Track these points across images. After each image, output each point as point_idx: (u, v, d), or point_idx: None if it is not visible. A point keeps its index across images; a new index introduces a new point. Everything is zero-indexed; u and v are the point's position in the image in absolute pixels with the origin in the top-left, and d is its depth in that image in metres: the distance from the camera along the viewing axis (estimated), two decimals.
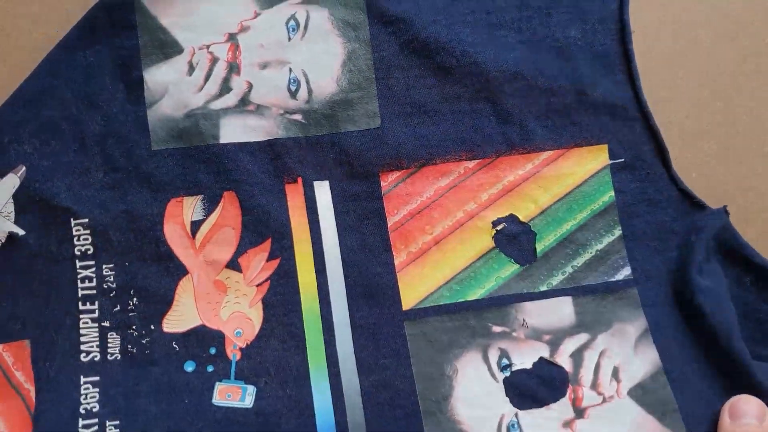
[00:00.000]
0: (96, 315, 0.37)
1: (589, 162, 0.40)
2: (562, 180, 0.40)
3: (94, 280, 0.37)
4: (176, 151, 0.38)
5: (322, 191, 0.39)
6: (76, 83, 0.38)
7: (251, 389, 0.37)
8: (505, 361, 0.38)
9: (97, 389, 0.36)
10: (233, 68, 0.39)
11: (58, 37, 0.40)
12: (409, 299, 0.38)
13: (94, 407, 0.36)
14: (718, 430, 0.36)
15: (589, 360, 0.38)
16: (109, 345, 0.37)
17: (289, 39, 0.39)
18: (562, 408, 0.37)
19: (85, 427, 0.36)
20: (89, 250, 0.37)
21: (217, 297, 0.38)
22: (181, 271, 0.38)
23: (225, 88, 0.39)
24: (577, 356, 0.38)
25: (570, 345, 0.38)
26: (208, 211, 0.38)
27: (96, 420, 0.36)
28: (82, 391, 0.36)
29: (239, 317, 0.38)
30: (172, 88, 0.38)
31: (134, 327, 0.37)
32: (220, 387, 0.37)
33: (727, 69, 0.42)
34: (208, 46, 0.39)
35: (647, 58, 0.42)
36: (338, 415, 0.37)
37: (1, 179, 0.37)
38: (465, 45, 0.39)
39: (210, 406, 0.37)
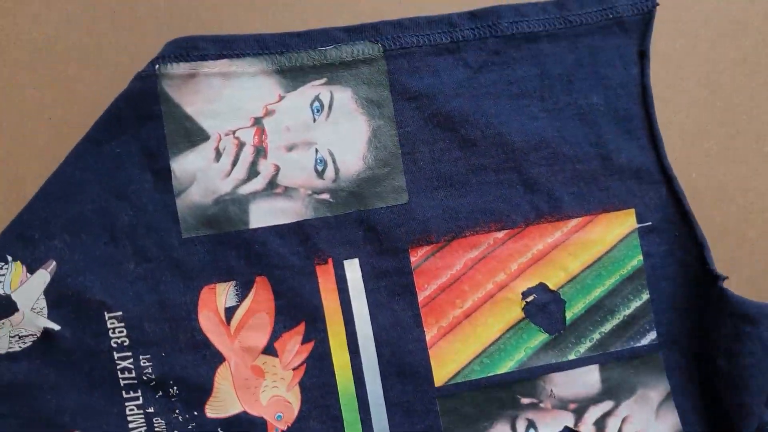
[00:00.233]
0: (140, 402, 0.38)
1: (617, 227, 0.40)
2: (591, 246, 0.40)
3: (133, 371, 0.38)
4: (206, 239, 0.38)
5: (353, 269, 0.39)
6: (104, 175, 0.38)
7: None
8: (531, 431, 0.39)
9: None
10: (260, 152, 0.39)
11: (58, 37, 0.40)
12: (441, 376, 0.39)
13: None
14: None
15: (612, 427, 0.39)
16: (156, 430, 0.38)
17: (314, 120, 0.39)
18: None
19: None
20: (125, 342, 0.38)
21: (255, 382, 0.39)
22: (218, 358, 0.38)
23: (253, 172, 0.39)
24: (601, 423, 0.40)
25: (594, 413, 0.40)
26: (241, 297, 0.39)
27: None
28: None
29: (278, 401, 0.39)
30: (200, 175, 0.38)
31: (177, 411, 0.38)
32: None
33: (727, 69, 0.42)
34: (234, 132, 0.39)
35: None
36: None
37: (32, 275, 0.37)
38: (488, 116, 0.39)
39: None
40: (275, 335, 0.39)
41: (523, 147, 0.40)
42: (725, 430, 0.39)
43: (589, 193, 0.40)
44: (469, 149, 0.40)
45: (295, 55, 0.39)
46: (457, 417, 0.39)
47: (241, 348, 0.39)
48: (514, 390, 0.39)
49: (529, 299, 0.40)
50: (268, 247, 0.39)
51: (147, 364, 0.38)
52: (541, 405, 0.39)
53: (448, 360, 0.39)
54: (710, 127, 0.42)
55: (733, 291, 0.38)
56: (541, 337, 0.40)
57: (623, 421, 0.39)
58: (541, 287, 0.40)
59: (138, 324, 0.38)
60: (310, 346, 0.39)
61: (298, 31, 0.39)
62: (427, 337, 0.39)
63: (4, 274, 0.37)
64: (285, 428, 0.38)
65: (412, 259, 0.39)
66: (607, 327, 0.40)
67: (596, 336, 0.40)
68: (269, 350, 0.39)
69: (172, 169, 0.38)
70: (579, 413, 0.40)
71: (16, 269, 0.37)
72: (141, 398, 0.38)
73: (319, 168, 0.39)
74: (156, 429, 0.38)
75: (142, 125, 0.38)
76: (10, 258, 0.37)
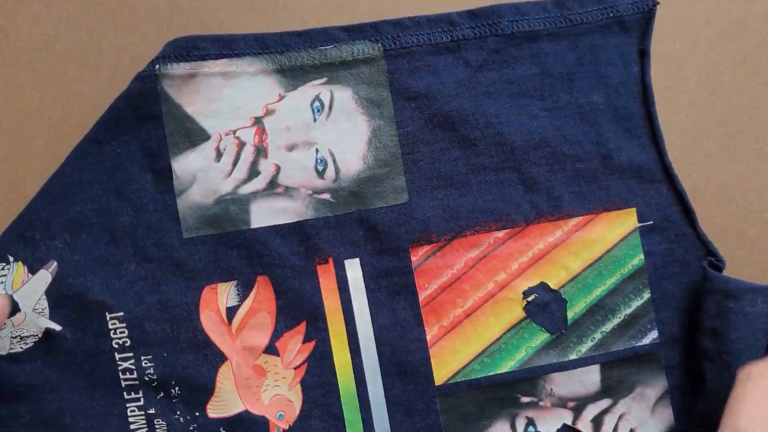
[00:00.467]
0: (141, 403, 0.38)
1: (618, 226, 0.40)
2: (592, 245, 0.40)
3: (135, 371, 0.38)
4: (207, 238, 0.38)
5: (353, 269, 0.39)
6: (105, 175, 0.38)
7: None
8: (531, 429, 0.39)
9: None
10: (260, 152, 0.39)
11: (58, 37, 0.40)
12: (441, 375, 0.39)
13: None
14: None
15: (608, 424, 0.40)
16: (157, 431, 0.38)
17: (315, 120, 0.39)
18: None
19: None
20: (126, 342, 0.38)
21: (257, 381, 0.39)
22: (220, 358, 0.38)
23: (253, 171, 0.39)
24: (598, 420, 0.40)
25: (592, 411, 0.40)
26: (243, 296, 0.39)
27: None
28: None
29: (280, 400, 0.39)
30: (200, 175, 0.39)
31: (179, 413, 0.38)
32: None
33: (727, 69, 0.42)
34: (234, 132, 0.39)
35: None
36: None
37: (33, 275, 0.38)
38: (488, 116, 0.39)
39: None
40: (276, 334, 0.39)
41: (522, 146, 0.39)
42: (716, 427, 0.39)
43: (589, 192, 0.40)
44: (468, 149, 0.40)
45: (295, 55, 0.39)
46: (458, 415, 0.39)
47: (243, 347, 0.39)
48: (514, 389, 0.39)
49: (530, 299, 0.40)
50: (269, 247, 0.39)
51: (149, 364, 0.38)
52: (541, 403, 0.40)
53: (449, 359, 0.39)
54: (710, 127, 0.42)
55: None
56: (543, 337, 0.40)
57: (619, 418, 0.40)
58: (542, 286, 0.40)
59: (139, 324, 0.38)
60: (311, 345, 0.39)
61: (298, 30, 0.39)
62: (428, 337, 0.39)
63: (5, 275, 0.37)
64: (287, 427, 0.38)
65: (413, 258, 0.39)
66: (609, 326, 0.40)
67: (597, 335, 0.40)
68: (271, 350, 0.39)
69: (173, 169, 0.38)
70: (577, 411, 0.40)
71: (18, 269, 0.37)
72: (142, 399, 0.38)
73: (320, 168, 0.39)
74: (157, 429, 0.38)
75: (142, 125, 0.38)
76: (11, 258, 0.37)
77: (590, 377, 0.40)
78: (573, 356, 0.40)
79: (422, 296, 0.40)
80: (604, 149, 0.40)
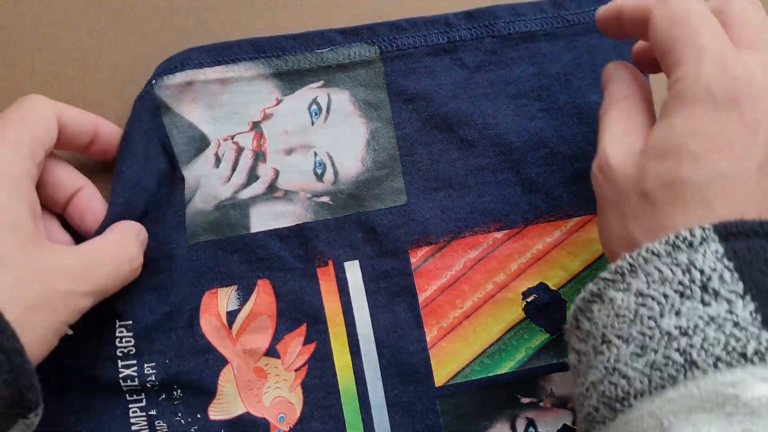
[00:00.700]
0: (143, 404, 0.38)
1: None
2: (591, 245, 0.40)
3: (137, 379, 0.37)
4: (207, 244, 0.39)
5: (353, 271, 0.39)
6: (126, 196, 0.37)
7: None
8: (531, 430, 0.39)
9: None
10: (259, 156, 0.39)
11: (58, 36, 0.40)
12: (441, 376, 0.39)
13: None
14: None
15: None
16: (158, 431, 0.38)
17: (312, 123, 0.39)
18: None
19: None
20: (131, 351, 0.37)
21: (258, 383, 0.39)
22: (221, 362, 0.38)
23: (252, 176, 0.39)
24: None
25: None
26: (243, 300, 0.39)
27: None
28: None
29: (281, 402, 0.39)
30: (203, 182, 0.39)
31: (180, 414, 0.38)
32: None
33: None
34: (232, 137, 0.39)
35: None
36: None
37: None
38: (486, 117, 0.39)
39: None
40: (277, 337, 0.39)
41: (521, 147, 0.39)
42: None
43: (588, 192, 0.40)
44: (466, 150, 0.40)
45: (291, 58, 0.39)
46: (457, 416, 0.39)
47: (243, 351, 0.39)
48: (514, 389, 0.39)
49: (529, 299, 0.40)
50: (269, 251, 0.39)
51: (150, 372, 0.38)
52: (541, 404, 0.39)
53: (449, 360, 0.39)
54: None
55: None
56: (542, 338, 0.40)
57: None
58: (542, 287, 0.40)
59: (146, 334, 0.37)
60: (311, 347, 0.39)
61: (294, 33, 0.39)
62: (428, 338, 0.39)
63: None
64: (287, 429, 0.38)
65: (412, 260, 0.39)
66: None
67: None
68: (271, 352, 0.39)
69: (185, 179, 0.38)
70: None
71: None
72: (144, 401, 0.38)
73: (318, 171, 0.39)
74: (157, 430, 0.38)
75: (149, 141, 0.38)
76: None
77: None
78: None
79: (422, 298, 0.39)
80: None
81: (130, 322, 0.37)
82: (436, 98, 0.39)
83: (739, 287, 0.25)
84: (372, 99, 0.39)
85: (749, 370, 0.24)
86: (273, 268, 0.39)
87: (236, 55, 0.39)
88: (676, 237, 0.27)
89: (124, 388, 0.37)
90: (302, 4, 0.41)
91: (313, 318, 0.39)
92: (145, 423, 0.38)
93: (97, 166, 0.39)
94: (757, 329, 0.25)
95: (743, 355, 0.24)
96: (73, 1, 0.40)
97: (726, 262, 0.26)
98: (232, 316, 0.39)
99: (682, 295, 0.26)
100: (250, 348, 0.39)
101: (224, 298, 0.39)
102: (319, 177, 0.39)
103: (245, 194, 0.39)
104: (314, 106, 0.39)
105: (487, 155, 0.40)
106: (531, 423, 0.39)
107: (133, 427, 0.38)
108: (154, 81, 0.38)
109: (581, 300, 0.30)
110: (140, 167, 0.37)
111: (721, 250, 0.26)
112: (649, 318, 0.27)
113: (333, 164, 0.39)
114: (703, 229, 0.27)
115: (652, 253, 0.27)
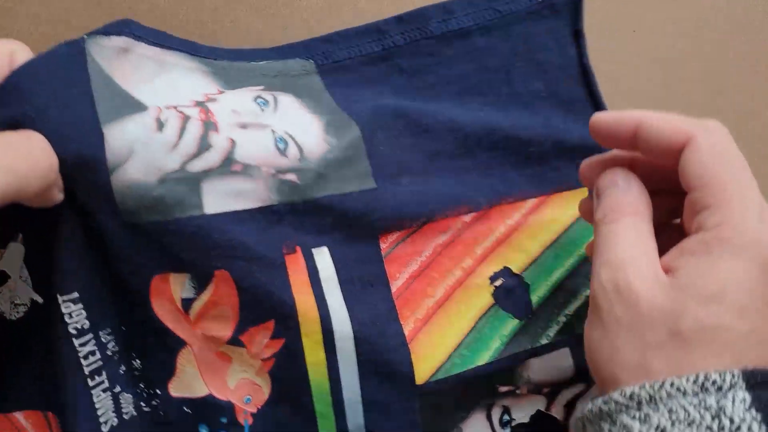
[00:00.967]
0: (107, 385, 0.33)
1: (571, 207, 0.40)
2: (548, 227, 0.39)
3: (97, 352, 0.32)
4: (152, 226, 0.32)
5: (323, 259, 0.35)
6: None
7: None
8: (506, 418, 0.38)
9: None
10: (210, 126, 0.33)
11: (58, 36, 0.40)
12: (422, 373, 0.36)
13: None
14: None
15: (580, 409, 0.38)
16: (123, 405, 0.34)
17: (262, 110, 0.36)
18: None
19: None
20: (85, 325, 0.32)
21: (221, 366, 0.34)
22: (179, 343, 0.34)
23: (204, 145, 0.32)
24: (571, 405, 0.38)
25: (566, 395, 0.39)
26: (199, 290, 0.33)
27: None
28: None
29: (247, 383, 0.35)
30: (138, 148, 0.31)
31: (142, 386, 0.34)
32: None
33: (727, 69, 0.42)
34: (176, 107, 0.33)
35: (647, 58, 0.42)
36: None
37: (6, 249, 0.32)
38: (436, 110, 0.39)
39: None
40: (240, 329, 0.34)
41: (475, 132, 0.39)
42: None
43: (542, 173, 0.39)
44: (421, 135, 0.38)
45: (226, 63, 0.37)
46: (436, 411, 0.37)
47: (203, 337, 0.34)
48: (492, 379, 0.38)
49: (497, 283, 0.38)
50: (228, 237, 0.33)
51: (108, 338, 0.33)
52: (518, 392, 0.38)
53: (428, 355, 0.37)
54: None
55: None
56: (513, 323, 0.38)
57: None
58: (506, 271, 0.39)
59: (96, 303, 0.32)
60: (280, 342, 0.35)
61: (229, 48, 0.38)
62: (406, 332, 0.36)
63: None
64: (254, 410, 0.35)
65: (383, 246, 0.37)
66: (572, 308, 0.39)
67: (562, 318, 0.39)
68: (235, 342, 0.34)
69: (105, 139, 0.31)
70: (551, 396, 0.38)
71: None
72: (106, 381, 0.33)
73: (281, 146, 0.34)
74: (122, 404, 0.33)
75: (68, 91, 0.31)
76: None
77: (563, 362, 0.38)
78: (544, 341, 0.38)
79: (394, 287, 0.37)
80: (554, 134, 0.39)
81: (75, 294, 0.32)
82: (381, 100, 0.38)
83: None
84: (317, 101, 0.37)
85: None
86: (234, 257, 0.33)
87: (174, 46, 0.36)
88: (706, 378, 0.26)
89: (86, 370, 0.32)
90: (302, 3, 0.41)
91: (282, 314, 0.34)
92: (111, 402, 0.33)
93: None
94: None
95: None
96: (73, 1, 0.40)
97: (754, 412, 0.25)
98: (187, 303, 0.34)
99: None
100: (211, 335, 0.34)
101: (177, 284, 0.33)
102: (282, 152, 0.34)
103: (196, 166, 0.32)
104: (260, 99, 0.36)
105: (442, 141, 0.38)
106: (506, 410, 0.38)
107: (99, 411, 0.33)
108: (86, 35, 0.33)
109: (590, 412, 0.29)
110: (60, 112, 0.30)
111: (748, 398, 0.26)
112: None
113: (295, 141, 0.35)
114: (733, 375, 0.26)
115: (677, 389, 0.26)
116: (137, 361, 0.34)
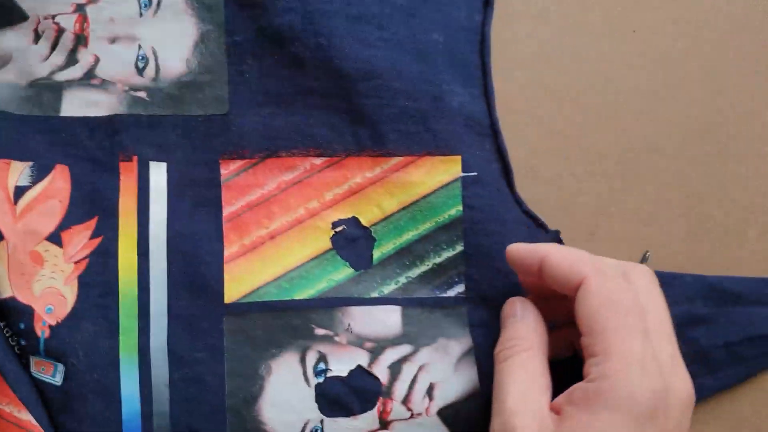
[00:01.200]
0: None
1: (440, 173, 0.38)
2: (411, 188, 0.38)
3: None
4: (13, 116, 0.37)
5: (158, 173, 0.38)
6: None
7: (61, 367, 0.36)
8: (321, 366, 0.37)
9: None
10: (80, 40, 0.38)
11: None
12: (232, 293, 0.37)
13: None
14: None
15: (407, 373, 0.37)
16: None
17: (141, 14, 0.38)
18: (368, 419, 0.37)
19: None
20: None
21: (31, 269, 0.36)
22: None
23: (71, 59, 0.38)
24: (396, 368, 0.37)
25: (391, 355, 0.37)
26: (36, 179, 0.37)
27: None
28: None
29: (52, 293, 0.36)
30: (17, 56, 0.38)
31: None
32: (35, 360, 0.36)
33: (728, 69, 0.42)
34: (53, 17, 0.38)
35: (647, 58, 0.42)
36: (144, 405, 0.36)
37: None
38: (320, 37, 0.38)
39: (30, 376, 0.36)
40: (65, 225, 0.37)
41: (352, 75, 0.38)
42: None
43: (416, 133, 0.38)
44: (297, 69, 0.38)
45: None
46: (244, 339, 0.37)
47: (24, 230, 0.36)
48: (309, 319, 0.37)
49: (338, 229, 0.38)
50: (75, 138, 0.38)
51: None
52: (336, 339, 0.37)
53: (244, 278, 0.37)
54: (710, 128, 0.42)
55: None
56: (347, 272, 0.38)
57: (420, 368, 0.37)
58: (353, 221, 0.38)
59: None
60: (96, 241, 0.37)
61: None
62: (226, 253, 0.37)
63: None
64: (54, 323, 0.36)
65: (223, 171, 0.38)
66: (415, 272, 0.38)
67: (402, 279, 0.38)
68: (54, 239, 0.37)
69: None
70: (375, 353, 0.37)
71: None
72: None
73: (140, 65, 0.38)
74: None
75: None
76: None
77: (390, 318, 0.37)
78: (374, 294, 0.38)
79: (227, 211, 0.38)
80: (437, 90, 0.38)
81: None
82: (271, 8, 0.38)
83: None
84: (209, 5, 0.38)
85: None
86: (76, 156, 0.37)
87: None
88: None
89: None
90: None
91: (106, 212, 0.37)
92: None
93: None
94: None
95: None
96: None
97: None
98: (20, 191, 0.37)
99: None
100: (32, 229, 0.36)
101: (16, 172, 0.37)
102: (140, 71, 0.38)
103: (61, 76, 0.38)
104: None
105: (316, 77, 0.38)
106: (323, 358, 0.37)
107: None
108: None
109: None
110: None
111: None
112: None
113: (156, 60, 0.38)
114: None
115: None
116: None
